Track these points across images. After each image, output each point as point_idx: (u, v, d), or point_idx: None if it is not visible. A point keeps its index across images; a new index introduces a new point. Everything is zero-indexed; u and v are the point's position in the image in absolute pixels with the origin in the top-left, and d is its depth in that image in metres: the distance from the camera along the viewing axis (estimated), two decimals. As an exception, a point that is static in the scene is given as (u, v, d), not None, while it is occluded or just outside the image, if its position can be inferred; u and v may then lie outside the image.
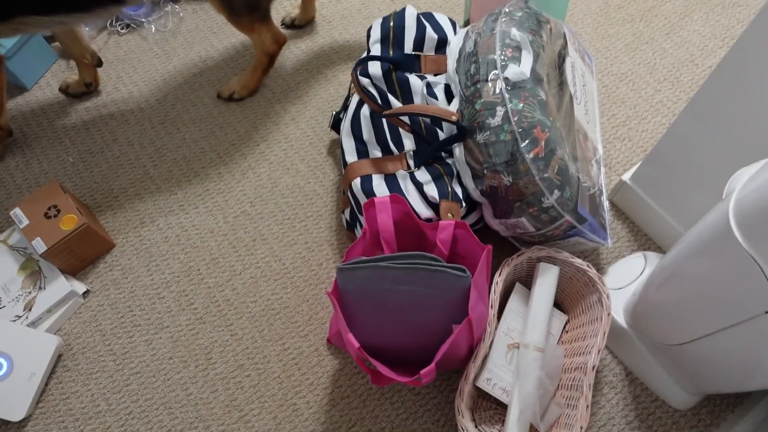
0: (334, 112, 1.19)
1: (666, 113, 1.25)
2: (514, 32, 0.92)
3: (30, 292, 1.07)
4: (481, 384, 0.91)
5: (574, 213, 0.90)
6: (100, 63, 1.30)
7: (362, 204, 0.93)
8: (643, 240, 1.12)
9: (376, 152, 0.99)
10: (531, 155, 0.85)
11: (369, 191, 0.95)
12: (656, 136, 1.23)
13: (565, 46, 1.05)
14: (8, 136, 1.27)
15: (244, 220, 1.18)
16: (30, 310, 1.06)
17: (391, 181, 0.96)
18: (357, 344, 0.76)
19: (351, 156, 1.01)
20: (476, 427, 0.94)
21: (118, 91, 1.35)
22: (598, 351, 0.87)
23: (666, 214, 1.05)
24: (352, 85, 1.05)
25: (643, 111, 1.26)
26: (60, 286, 1.07)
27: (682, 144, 0.95)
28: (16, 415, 0.97)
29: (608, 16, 1.40)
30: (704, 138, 0.90)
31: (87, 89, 1.32)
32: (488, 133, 0.87)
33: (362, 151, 1.00)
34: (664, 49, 1.34)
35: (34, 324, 1.06)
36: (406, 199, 0.91)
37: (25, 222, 1.06)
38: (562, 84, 1.01)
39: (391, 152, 0.98)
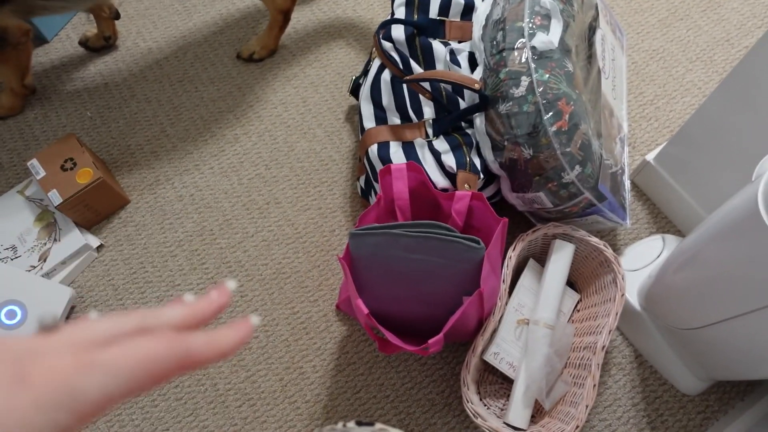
0: (353, 77, 1.17)
1: (696, 93, 1.21)
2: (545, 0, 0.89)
3: (45, 244, 1.08)
4: (488, 358, 0.90)
5: (595, 190, 0.87)
6: (117, 16, 1.28)
7: (378, 170, 0.92)
8: (663, 222, 1.09)
9: (394, 119, 0.97)
10: (554, 128, 0.82)
11: (386, 158, 0.93)
12: (684, 116, 1.19)
13: (596, 17, 1.01)
14: (31, 93, 1.27)
15: (259, 183, 1.17)
16: (45, 261, 1.07)
17: (409, 148, 0.94)
18: (366, 310, 0.76)
19: (369, 122, 0.99)
20: (481, 400, 0.94)
21: (138, 47, 1.34)
22: (609, 331, 0.86)
23: (689, 196, 1.02)
24: (374, 49, 1.02)
25: (672, 90, 1.22)
26: (74, 238, 1.08)
27: (711, 125, 0.91)
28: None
29: (643, -10, 1.35)
30: (735, 120, 0.87)
31: (106, 42, 1.31)
32: (511, 103, 0.85)
33: (381, 117, 0.98)
34: (699, 26, 1.29)
35: (48, 275, 1.07)
36: (423, 168, 0.90)
37: (42, 173, 1.07)
38: (590, 57, 0.97)
39: (410, 120, 0.96)
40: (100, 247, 1.12)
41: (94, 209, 1.10)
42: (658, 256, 0.98)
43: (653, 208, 1.11)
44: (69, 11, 1.11)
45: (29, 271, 1.06)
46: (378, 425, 0.51)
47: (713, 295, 0.74)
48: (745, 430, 0.88)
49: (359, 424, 0.51)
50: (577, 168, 0.85)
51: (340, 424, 0.51)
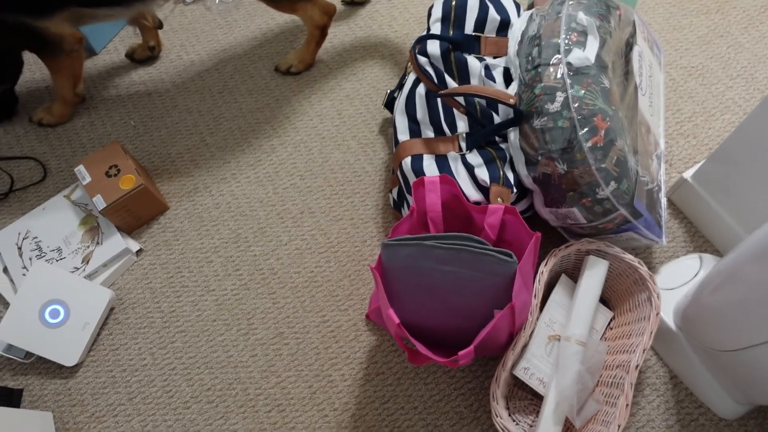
0: (388, 91, 1.19)
1: (737, 111, 1.19)
2: (581, 16, 0.89)
3: (88, 246, 1.13)
4: (518, 373, 0.90)
5: (630, 207, 0.87)
6: (161, 25, 1.34)
7: (411, 183, 0.93)
8: (700, 242, 1.07)
9: (428, 132, 0.98)
10: (589, 144, 0.82)
11: (419, 170, 0.95)
12: (723, 134, 1.17)
13: (633, 34, 1.01)
14: (81, 101, 1.33)
15: (293, 193, 1.19)
16: (87, 263, 1.11)
17: (442, 162, 0.95)
18: (397, 320, 0.77)
19: (403, 135, 1.00)
20: (510, 415, 0.93)
21: (180, 59, 1.39)
22: (643, 350, 0.85)
23: (727, 215, 1.00)
24: (410, 63, 1.04)
25: (711, 107, 1.20)
26: (116, 242, 1.12)
27: (751, 143, 0.90)
28: (69, 360, 1.03)
29: (682, 6, 1.34)
30: (778, 138, 0.85)
31: (151, 53, 1.36)
32: (546, 118, 0.85)
33: (415, 130, 0.99)
34: (740, 43, 1.27)
35: (90, 277, 1.11)
36: (456, 181, 0.91)
37: (88, 179, 1.11)
38: (627, 73, 0.97)
39: (443, 133, 0.97)
40: (139, 252, 1.16)
41: (136, 214, 1.14)
42: (695, 276, 0.96)
43: (690, 226, 1.09)
44: (114, 19, 1.16)
45: (73, 272, 1.10)
46: None
47: (752, 317, 0.72)
48: (786, 459, 0.85)
49: None
50: (613, 184, 0.84)
51: None
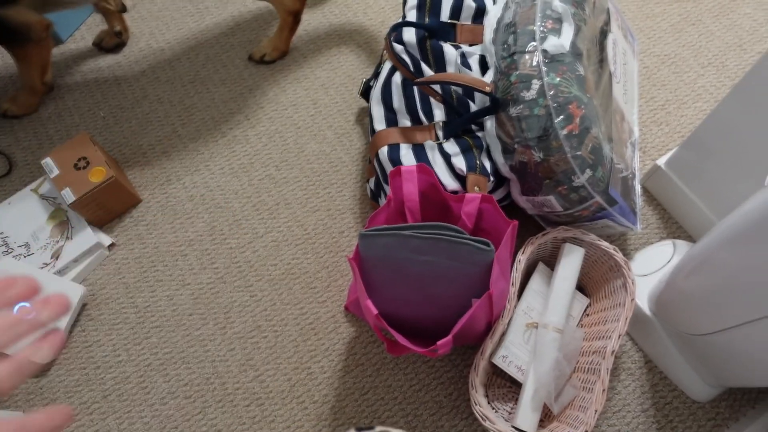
0: (364, 80, 1.17)
1: (708, 99, 1.21)
2: (556, 3, 0.89)
3: (58, 241, 1.10)
4: (497, 361, 0.90)
5: (605, 194, 0.87)
6: (124, 8, 1.30)
7: (388, 172, 0.92)
8: (673, 228, 1.09)
9: (405, 121, 0.97)
10: (565, 131, 0.82)
11: (396, 160, 0.94)
12: (695, 122, 1.19)
13: (608, 22, 1.01)
14: (49, 91, 1.28)
15: (269, 184, 1.18)
16: (57, 258, 1.08)
17: (419, 151, 0.94)
18: (375, 311, 0.76)
19: (379, 124, 0.99)
20: (489, 403, 0.94)
21: (150, 48, 1.35)
22: (619, 336, 0.86)
23: (699, 201, 1.02)
24: (385, 51, 1.03)
25: (683, 95, 1.22)
26: (86, 237, 1.09)
27: (723, 130, 0.91)
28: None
29: (655, -5, 1.35)
30: (747, 125, 0.86)
31: (119, 39, 1.33)
32: (522, 106, 0.85)
33: (391, 119, 0.98)
34: (711, 31, 1.29)
35: (60, 273, 1.08)
36: (433, 170, 0.90)
37: (56, 172, 1.08)
38: (602, 61, 0.97)
39: (420, 122, 0.96)
40: (111, 246, 1.13)
41: (106, 208, 1.11)
42: (669, 261, 0.98)
43: (664, 213, 1.10)
44: (79, 6, 1.12)
45: (42, 268, 1.07)
46: (378, 428, 0.51)
47: (724, 301, 0.73)
48: (756, 438, 0.87)
49: (359, 429, 0.51)
50: (588, 171, 0.84)
51: None
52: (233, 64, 1.32)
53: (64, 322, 1.02)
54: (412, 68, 0.96)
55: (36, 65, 1.17)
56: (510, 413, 0.93)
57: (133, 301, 1.08)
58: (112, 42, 1.33)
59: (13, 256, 1.08)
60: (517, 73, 0.86)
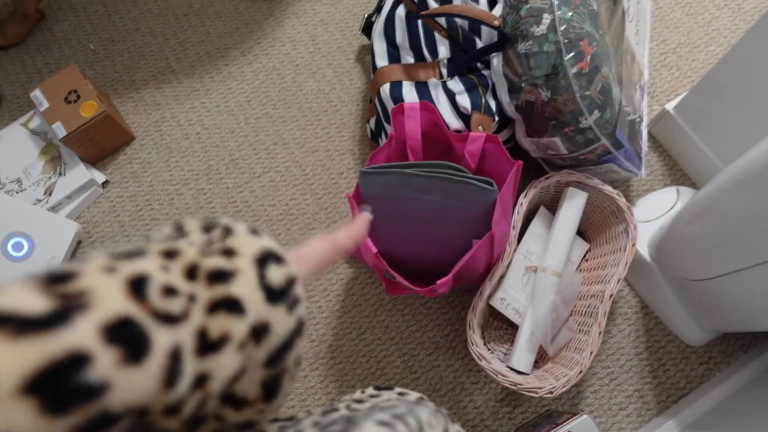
0: (366, 15, 1.12)
1: (722, 42, 1.17)
2: (572, -68, 0.84)
3: (50, 177, 1.07)
4: (495, 303, 0.90)
5: (612, 137, 0.85)
6: None
7: (390, 110, 0.89)
8: (678, 175, 1.07)
9: (408, 58, 0.94)
10: (574, 70, 0.79)
11: (398, 97, 0.91)
12: (707, 66, 1.15)
13: (623, -45, 0.96)
14: (41, 19, 1.23)
15: (266, 123, 1.15)
16: (50, 195, 1.06)
17: (422, 89, 0.91)
18: (374, 250, 0.75)
19: (382, 60, 0.95)
20: (485, 344, 0.95)
21: (142, -22, 1.28)
22: (618, 280, 0.85)
23: (707, 148, 1.00)
24: (389, -17, 0.98)
25: (696, 38, 1.17)
26: (80, 173, 1.07)
27: (735, 74, 0.88)
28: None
29: (672, -69, 1.28)
30: (760, 70, 0.83)
31: None
32: (531, 42, 0.81)
33: (394, 55, 0.95)
34: (729, -29, 1.23)
35: (54, 209, 1.06)
36: (437, 108, 0.87)
37: (46, 105, 1.05)
38: (615, -3, 0.93)
39: (424, 59, 0.93)
40: (105, 183, 1.11)
41: (99, 144, 1.09)
42: (672, 208, 0.97)
43: (669, 159, 1.08)
44: None
45: (35, 204, 1.05)
46: (397, 389, 0.51)
47: (725, 247, 0.73)
48: (747, 382, 0.89)
49: (378, 389, 0.51)
50: (596, 113, 0.82)
51: (357, 393, 0.50)
52: (229, -4, 1.26)
53: (59, 259, 1.01)
54: (416, 0, 0.91)
55: None
56: (506, 354, 0.94)
57: (128, 239, 1.07)
58: (100, -30, 1.26)
59: (6, 192, 1.06)
60: (528, 6, 0.82)
